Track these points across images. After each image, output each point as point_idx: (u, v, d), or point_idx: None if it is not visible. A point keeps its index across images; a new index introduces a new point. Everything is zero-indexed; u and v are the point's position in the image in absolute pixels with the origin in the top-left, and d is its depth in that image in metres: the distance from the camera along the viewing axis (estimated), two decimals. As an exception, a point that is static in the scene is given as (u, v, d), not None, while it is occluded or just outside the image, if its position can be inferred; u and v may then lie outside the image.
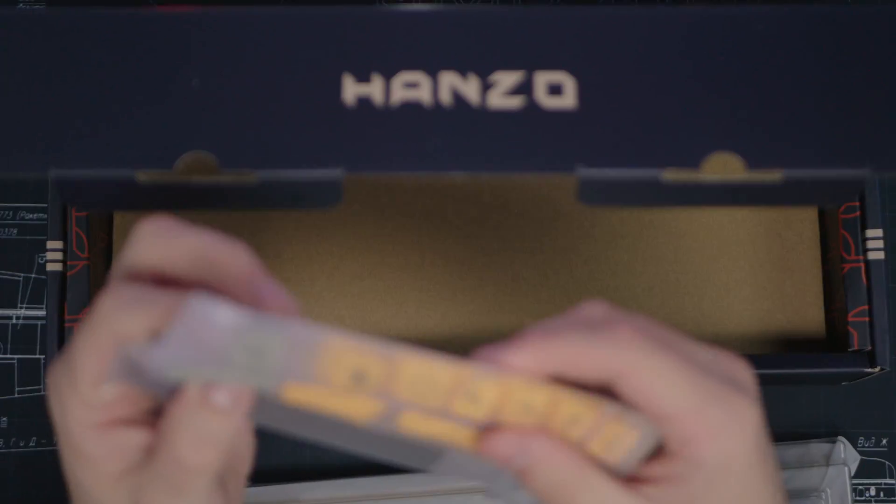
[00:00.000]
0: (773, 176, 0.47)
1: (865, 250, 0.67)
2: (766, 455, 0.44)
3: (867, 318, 0.67)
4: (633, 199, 0.49)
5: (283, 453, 0.74)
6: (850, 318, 0.67)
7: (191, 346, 0.40)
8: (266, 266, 0.69)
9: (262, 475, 0.73)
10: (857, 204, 0.68)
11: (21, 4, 0.77)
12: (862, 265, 0.67)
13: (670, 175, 0.47)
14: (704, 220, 0.71)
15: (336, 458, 0.74)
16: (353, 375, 0.41)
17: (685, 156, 0.47)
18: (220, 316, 0.40)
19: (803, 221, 0.71)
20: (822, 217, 0.71)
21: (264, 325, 0.40)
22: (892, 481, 0.71)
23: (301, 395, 0.42)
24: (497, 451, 0.42)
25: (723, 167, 0.48)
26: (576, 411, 0.42)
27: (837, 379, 0.70)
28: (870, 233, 0.67)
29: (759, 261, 0.71)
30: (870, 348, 0.67)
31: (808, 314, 0.71)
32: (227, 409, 0.40)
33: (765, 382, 0.70)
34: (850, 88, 0.48)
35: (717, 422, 0.42)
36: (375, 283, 0.71)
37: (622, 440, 0.43)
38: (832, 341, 0.70)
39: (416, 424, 0.43)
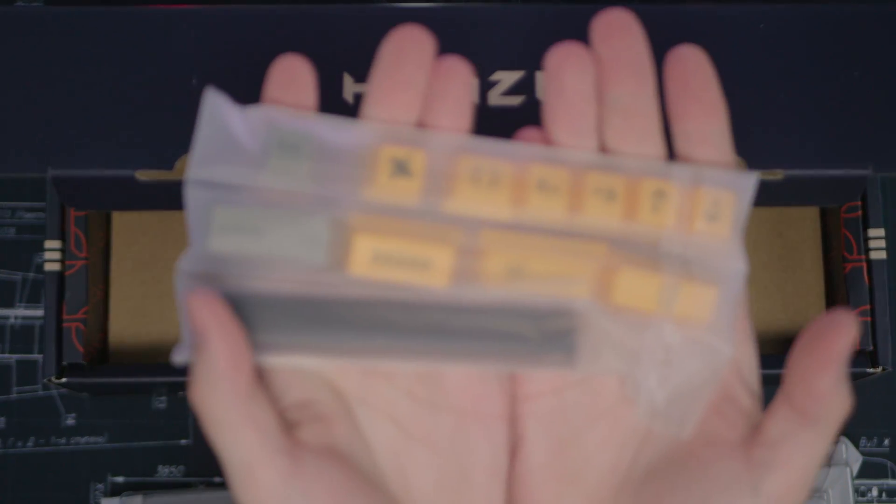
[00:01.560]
0: (775, 175, 0.47)
1: (867, 250, 0.67)
2: None
3: (869, 318, 0.67)
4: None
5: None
6: (852, 319, 0.67)
7: (220, 143, 0.39)
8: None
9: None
10: (859, 203, 0.67)
11: (19, 2, 0.76)
12: (864, 265, 0.67)
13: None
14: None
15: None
16: (396, 165, 0.39)
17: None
18: (246, 109, 0.39)
19: (805, 221, 0.71)
20: (824, 216, 0.71)
21: (297, 119, 0.39)
22: (894, 482, 0.70)
23: (363, 239, 0.39)
24: None
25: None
26: (658, 188, 0.41)
27: (839, 379, 0.70)
28: (872, 232, 0.67)
29: (761, 260, 0.71)
30: (872, 348, 0.66)
31: (809, 314, 0.71)
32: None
33: (767, 383, 0.69)
34: (852, 88, 0.48)
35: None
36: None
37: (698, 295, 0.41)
38: (834, 341, 0.70)
39: (501, 259, 0.40)
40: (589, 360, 0.41)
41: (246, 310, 0.40)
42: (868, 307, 0.67)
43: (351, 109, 0.48)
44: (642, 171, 0.40)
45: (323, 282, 0.40)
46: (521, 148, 0.40)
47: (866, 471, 0.71)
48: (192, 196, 0.40)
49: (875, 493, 0.71)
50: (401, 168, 0.39)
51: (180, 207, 0.49)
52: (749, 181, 0.40)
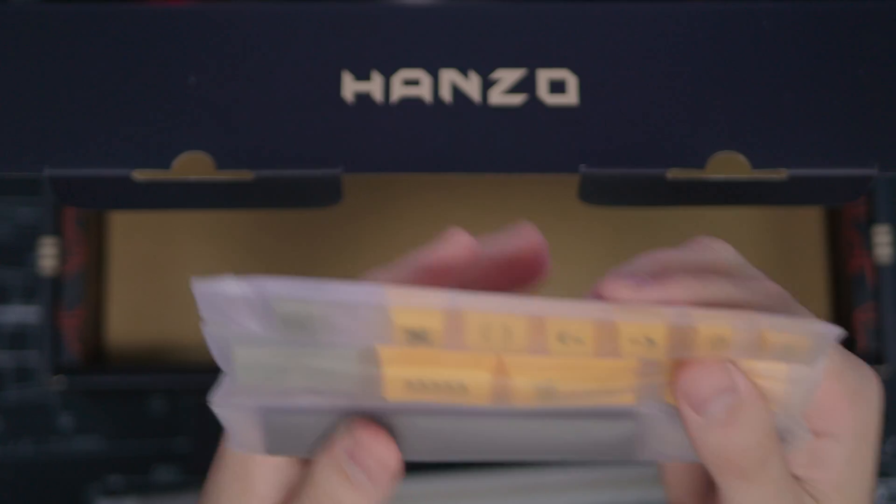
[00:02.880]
0: (779, 175, 0.47)
1: (872, 248, 0.67)
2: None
3: (873, 315, 0.67)
4: (636, 198, 0.48)
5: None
6: (857, 318, 0.67)
7: (226, 329, 0.37)
8: (264, 267, 0.68)
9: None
10: (865, 201, 0.67)
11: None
12: (869, 264, 0.67)
13: (674, 174, 0.47)
14: (708, 219, 0.71)
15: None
16: (412, 335, 0.36)
17: (689, 155, 0.47)
18: (230, 287, 0.35)
19: (809, 219, 0.71)
20: (829, 215, 0.70)
21: (296, 289, 0.35)
22: (898, 482, 0.70)
23: (393, 370, 0.37)
24: (697, 386, 0.36)
25: (727, 167, 0.47)
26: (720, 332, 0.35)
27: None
28: (877, 230, 0.67)
29: (764, 259, 0.71)
30: (877, 348, 0.66)
31: (813, 313, 0.71)
32: (365, 482, 0.38)
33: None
34: (857, 86, 0.48)
35: (856, 387, 0.39)
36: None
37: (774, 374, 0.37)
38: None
39: (528, 380, 0.37)
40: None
41: (288, 419, 0.39)
42: (873, 306, 0.67)
43: (350, 108, 0.48)
44: (687, 320, 0.35)
45: (360, 404, 0.38)
46: (527, 302, 0.36)
47: (870, 471, 0.70)
48: (208, 334, 0.37)
49: (881, 493, 0.70)
50: (417, 337, 0.36)
51: (177, 207, 0.49)
52: (830, 334, 0.35)
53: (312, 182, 0.47)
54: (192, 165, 0.47)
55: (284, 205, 0.49)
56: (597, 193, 0.48)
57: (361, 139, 0.48)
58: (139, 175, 0.47)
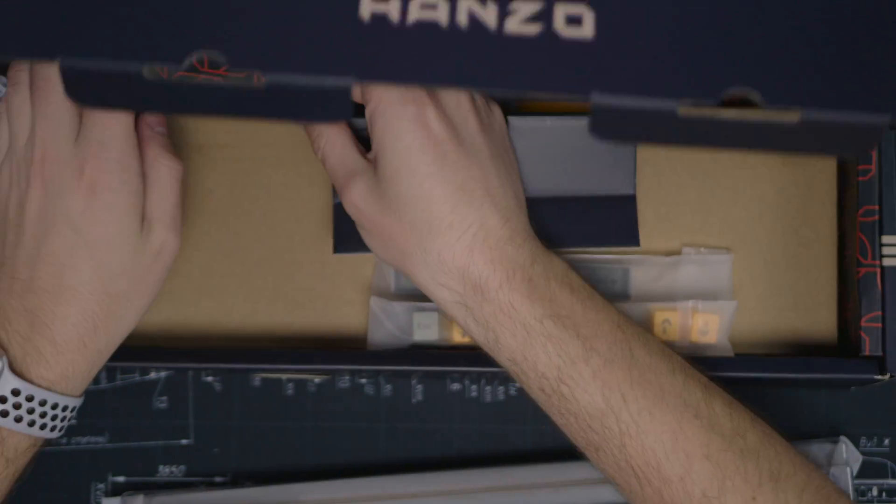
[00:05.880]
0: (791, 116, 0.46)
1: (882, 256, 0.66)
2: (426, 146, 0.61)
3: (880, 325, 0.66)
4: (646, 133, 0.48)
5: (283, 454, 0.74)
6: (863, 324, 0.66)
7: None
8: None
9: (262, 476, 0.73)
10: (876, 208, 0.67)
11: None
12: (878, 270, 0.66)
13: (686, 110, 0.46)
14: (720, 215, 0.71)
15: (336, 459, 0.74)
16: None
17: (703, 88, 0.46)
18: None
19: (821, 219, 0.71)
20: (841, 218, 0.70)
21: None
22: (894, 481, 0.70)
23: None
24: None
25: (740, 102, 0.47)
26: None
27: (847, 384, 0.69)
28: (887, 239, 0.67)
29: (774, 257, 0.70)
30: (881, 355, 0.66)
31: (820, 314, 0.70)
32: None
33: (775, 385, 0.69)
34: (880, 29, 0.47)
35: (380, 133, 0.61)
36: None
37: None
38: (843, 344, 0.69)
39: None
40: None
41: None
42: (880, 313, 0.66)
43: (365, 27, 0.48)
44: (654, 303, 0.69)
45: None
46: None
47: (866, 471, 0.70)
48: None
49: (875, 492, 0.69)
50: None
51: (186, 111, 0.49)
52: (730, 306, 0.69)
53: (323, 90, 0.47)
54: (205, 63, 0.47)
55: (294, 115, 0.49)
56: (607, 127, 0.48)
57: (374, 56, 0.48)
58: (149, 74, 0.47)
